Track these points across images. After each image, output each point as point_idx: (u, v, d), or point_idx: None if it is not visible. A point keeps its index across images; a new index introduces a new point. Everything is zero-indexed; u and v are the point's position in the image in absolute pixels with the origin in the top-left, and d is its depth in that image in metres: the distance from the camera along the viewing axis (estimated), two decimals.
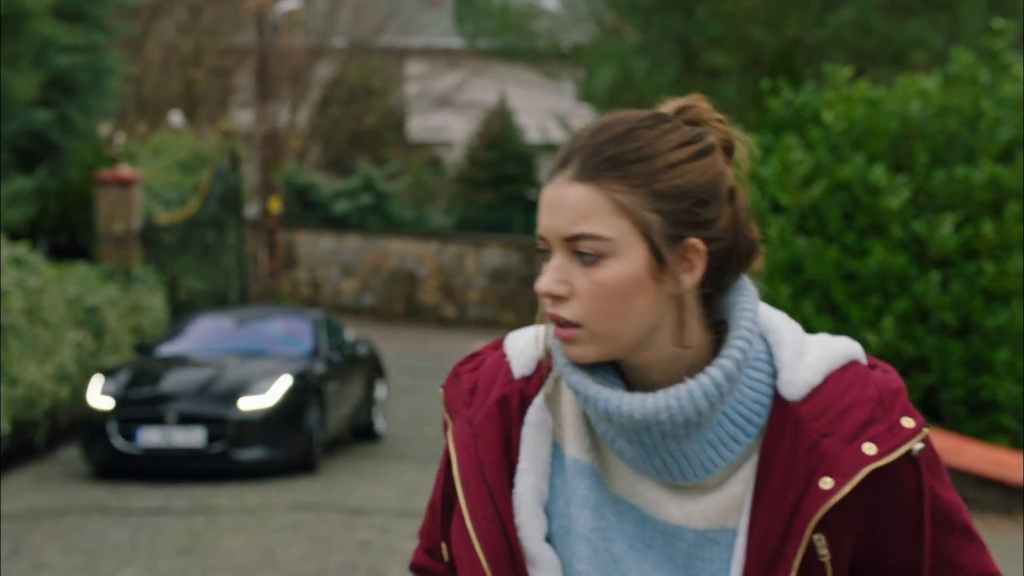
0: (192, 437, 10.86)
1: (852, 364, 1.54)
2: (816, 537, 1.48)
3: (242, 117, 32.91)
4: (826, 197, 10.83)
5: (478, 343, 20.03)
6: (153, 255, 18.87)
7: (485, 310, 28.75)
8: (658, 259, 1.47)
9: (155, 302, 18.02)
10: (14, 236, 17.55)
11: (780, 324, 1.58)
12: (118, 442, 10.91)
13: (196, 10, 31.03)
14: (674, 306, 1.50)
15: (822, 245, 10.59)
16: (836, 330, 10.62)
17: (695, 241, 1.49)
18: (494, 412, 1.57)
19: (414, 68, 35.77)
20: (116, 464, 10.96)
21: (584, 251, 1.47)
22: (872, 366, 1.58)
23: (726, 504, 1.51)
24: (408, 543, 8.21)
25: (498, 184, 32.86)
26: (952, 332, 10.59)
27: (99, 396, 11.28)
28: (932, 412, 10.83)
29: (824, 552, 1.49)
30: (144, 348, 12.70)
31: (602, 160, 1.49)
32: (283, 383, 11.26)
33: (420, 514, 8.41)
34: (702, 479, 1.51)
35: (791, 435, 1.50)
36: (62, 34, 15.40)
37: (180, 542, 8.31)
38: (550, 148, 33.49)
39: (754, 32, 14.06)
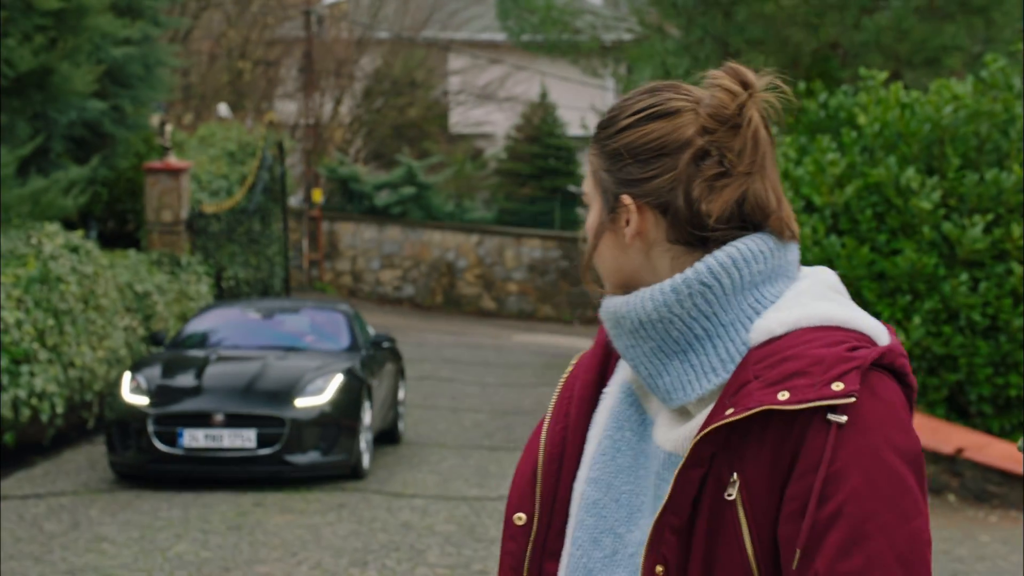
0: (242, 439, 10.06)
1: (829, 328, 1.56)
2: (733, 478, 1.53)
3: (287, 108, 33.34)
4: (858, 198, 11.09)
5: (516, 336, 20.36)
6: (200, 244, 19.31)
7: (524, 302, 29.05)
8: (607, 211, 1.65)
9: (202, 289, 18.45)
10: (67, 224, 18.03)
11: (804, 282, 1.63)
12: (157, 443, 10.03)
13: (243, 2, 31.46)
14: (641, 253, 1.64)
15: (854, 245, 10.86)
16: None
17: (624, 197, 1.63)
18: (601, 342, 1.78)
19: (457, 62, 36.10)
20: (153, 468, 10.07)
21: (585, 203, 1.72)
22: (858, 346, 1.56)
23: (690, 432, 1.59)
24: (446, 525, 8.57)
25: (538, 178, 33.13)
26: (980, 331, 10.85)
27: (133, 392, 10.38)
28: (959, 409, 11.10)
29: (731, 492, 1.53)
30: (157, 340, 12.01)
31: (594, 129, 1.73)
32: (336, 380, 10.56)
33: (458, 498, 8.74)
34: (681, 402, 1.61)
35: (737, 375, 1.57)
36: (118, 28, 15.83)
37: (230, 519, 8.69)
38: (590, 142, 33.69)
39: (792, 34, 14.31)
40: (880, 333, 1.57)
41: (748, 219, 1.62)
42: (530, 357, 21.14)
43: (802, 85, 12.23)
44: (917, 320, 10.66)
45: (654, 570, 1.56)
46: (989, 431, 10.89)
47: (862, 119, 11.34)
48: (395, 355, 12.82)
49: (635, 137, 1.63)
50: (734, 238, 1.61)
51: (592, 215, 1.69)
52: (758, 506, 1.53)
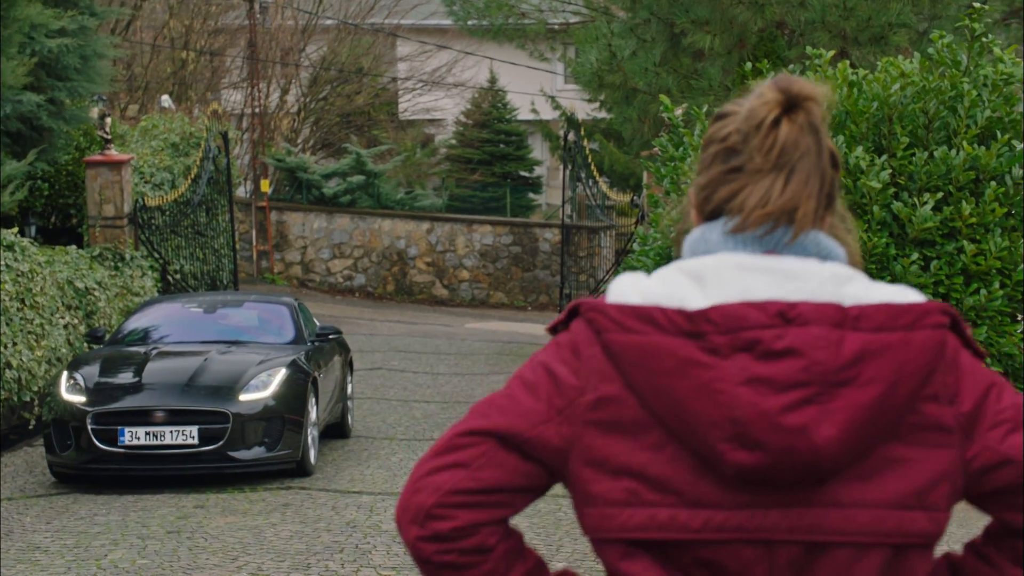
0: (184, 436, 9.74)
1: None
2: None
3: (233, 98, 32.93)
4: None
5: (469, 323, 20.19)
6: (144, 237, 18.97)
7: (476, 289, 28.86)
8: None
9: (146, 284, 18.13)
10: (5, 220, 17.65)
11: (672, 264, 1.84)
12: (97, 441, 9.71)
13: None
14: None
15: None
16: None
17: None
18: None
19: (404, 48, 35.79)
20: (94, 467, 9.78)
21: None
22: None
23: None
24: (393, 523, 8.35)
25: (489, 163, 32.93)
26: None
27: (70, 391, 10.07)
28: None
29: None
30: (96, 336, 11.58)
31: None
32: (280, 374, 10.28)
33: None
34: None
35: None
36: (50, 19, 15.46)
37: (169, 523, 8.44)
38: (541, 127, 33.59)
39: (738, 14, 14.14)
40: (614, 292, 1.77)
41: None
42: (482, 345, 20.94)
43: (748, 65, 12.06)
44: None
45: None
46: None
47: None
48: (343, 347, 12.59)
49: (704, 135, 1.88)
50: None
51: None
52: None
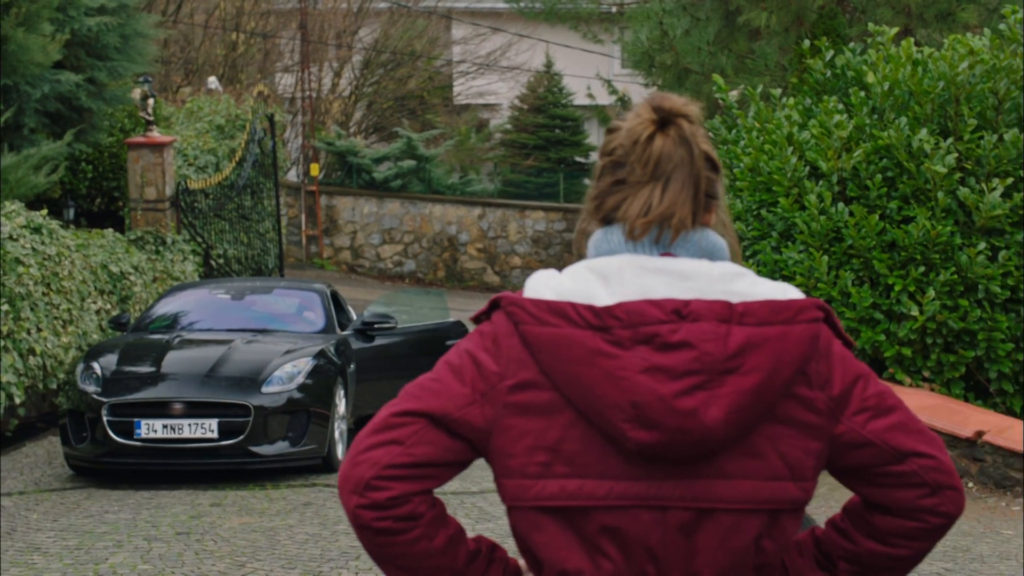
0: (203, 429, 9.30)
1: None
2: None
3: (285, 81, 32.57)
4: (868, 162, 10.31)
5: None
6: (186, 221, 18.59)
7: (528, 276, 28.34)
8: None
9: (187, 269, 17.75)
10: (47, 202, 17.31)
11: (581, 262, 2.03)
12: (112, 434, 9.31)
13: None
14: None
15: (863, 213, 10.08)
16: (877, 302, 10.13)
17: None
18: None
19: (458, 31, 35.27)
20: (109, 461, 9.36)
21: None
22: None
23: None
24: None
25: (544, 148, 32.38)
26: (999, 304, 10.07)
27: (87, 380, 9.68)
28: (978, 388, 10.32)
29: None
30: (120, 323, 11.17)
31: None
32: (307, 365, 9.83)
33: (465, 493, 7.93)
34: None
35: None
36: None
37: (181, 523, 7.96)
38: (597, 112, 32.98)
39: None
40: (530, 289, 1.97)
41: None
42: None
43: (806, 43, 11.42)
44: (932, 293, 9.88)
45: None
46: (1011, 412, 10.11)
47: (871, 78, 10.54)
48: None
49: (602, 143, 2.06)
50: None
51: None
52: None
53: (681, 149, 1.95)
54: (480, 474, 9.64)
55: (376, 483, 1.92)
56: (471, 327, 2.11)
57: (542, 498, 1.93)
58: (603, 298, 1.93)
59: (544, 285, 1.96)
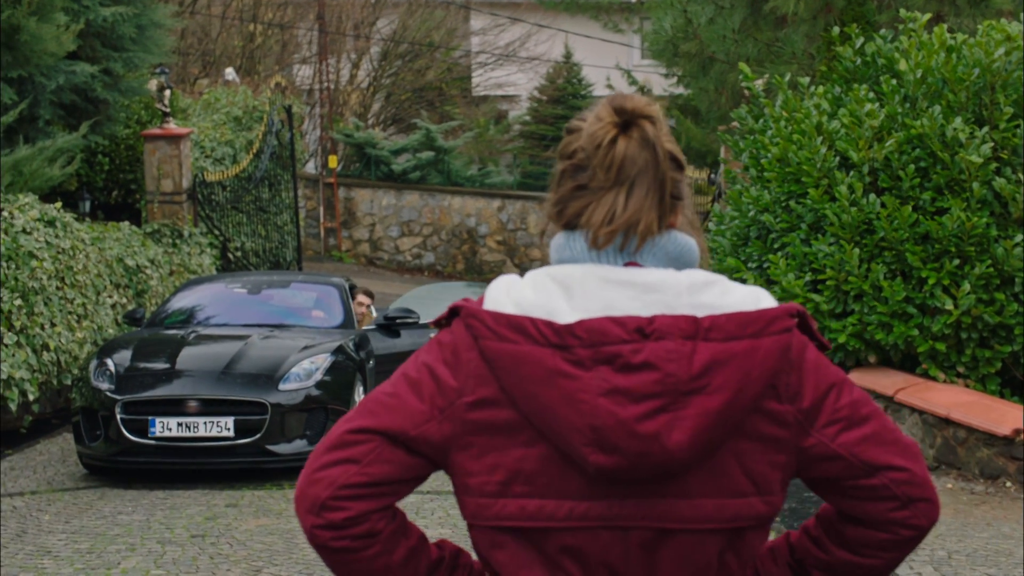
0: (219, 427, 9.08)
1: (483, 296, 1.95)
2: None
3: (303, 73, 32.37)
4: (900, 152, 10.03)
5: None
6: (203, 214, 18.40)
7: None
8: None
9: (204, 262, 17.56)
10: (64, 195, 17.14)
11: (538, 270, 1.93)
12: (126, 432, 9.09)
13: None
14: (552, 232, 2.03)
15: (895, 204, 9.80)
16: (910, 296, 9.85)
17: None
18: None
19: (477, 21, 35.01)
20: (123, 460, 9.14)
21: None
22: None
23: None
24: (439, 528, 7.61)
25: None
26: None
27: (100, 377, 9.44)
28: (1014, 383, 10.03)
29: None
30: (134, 318, 10.94)
31: None
32: (325, 361, 9.59)
33: (452, 495, 7.72)
34: None
35: None
36: None
37: (196, 525, 7.74)
38: None
39: None
40: (490, 300, 1.89)
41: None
42: None
43: (836, 30, 11.13)
44: (967, 286, 9.59)
45: None
46: None
47: (903, 66, 10.25)
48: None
49: (560, 144, 2.00)
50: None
51: None
52: None
53: (645, 152, 1.90)
54: None
55: (332, 503, 1.88)
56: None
57: (502, 518, 1.89)
58: (565, 312, 1.86)
59: (505, 296, 1.89)
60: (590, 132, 1.90)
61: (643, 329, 1.84)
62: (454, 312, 1.93)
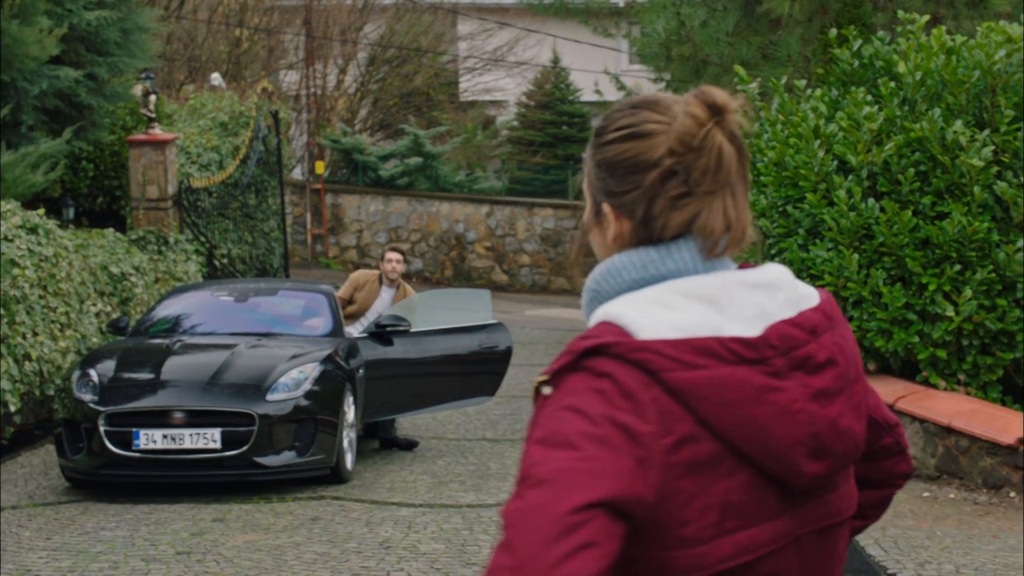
0: (205, 439, 8.84)
1: (602, 324, 1.73)
2: None
3: (290, 78, 32.14)
4: (899, 156, 9.86)
5: (529, 310, 19.17)
6: (189, 220, 18.16)
7: (537, 275, 27.92)
8: (595, 213, 1.86)
9: (190, 269, 17.32)
10: (48, 202, 16.88)
11: (649, 289, 1.76)
12: (109, 445, 8.85)
13: None
14: (616, 249, 1.84)
15: (895, 209, 9.63)
16: (911, 302, 9.67)
17: (605, 206, 1.83)
18: None
19: (465, 26, 34.82)
20: (107, 473, 8.89)
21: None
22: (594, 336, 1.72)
23: None
24: (432, 543, 7.40)
25: (551, 145, 31.93)
26: None
27: (82, 388, 9.20)
28: (1015, 391, 9.86)
29: None
30: (118, 327, 10.57)
31: (593, 133, 1.87)
32: (314, 371, 9.37)
33: (451, 506, 7.49)
34: None
35: None
36: None
37: (181, 541, 7.51)
38: (605, 108, 32.50)
39: None
40: (641, 328, 1.69)
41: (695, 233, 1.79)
42: (542, 333, 19.97)
43: (833, 32, 10.95)
44: (968, 292, 9.42)
45: None
46: None
47: (902, 68, 10.08)
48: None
49: (614, 154, 1.81)
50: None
51: (586, 212, 1.90)
52: None
53: (735, 148, 1.80)
54: (496, 485, 9.19)
55: None
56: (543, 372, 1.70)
57: (722, 560, 1.71)
58: (728, 326, 1.73)
59: (659, 323, 1.71)
60: (687, 132, 1.76)
61: (815, 328, 1.80)
62: (587, 354, 1.68)
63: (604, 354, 1.67)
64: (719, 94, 1.79)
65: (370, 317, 11.12)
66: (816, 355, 1.77)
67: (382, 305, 11.20)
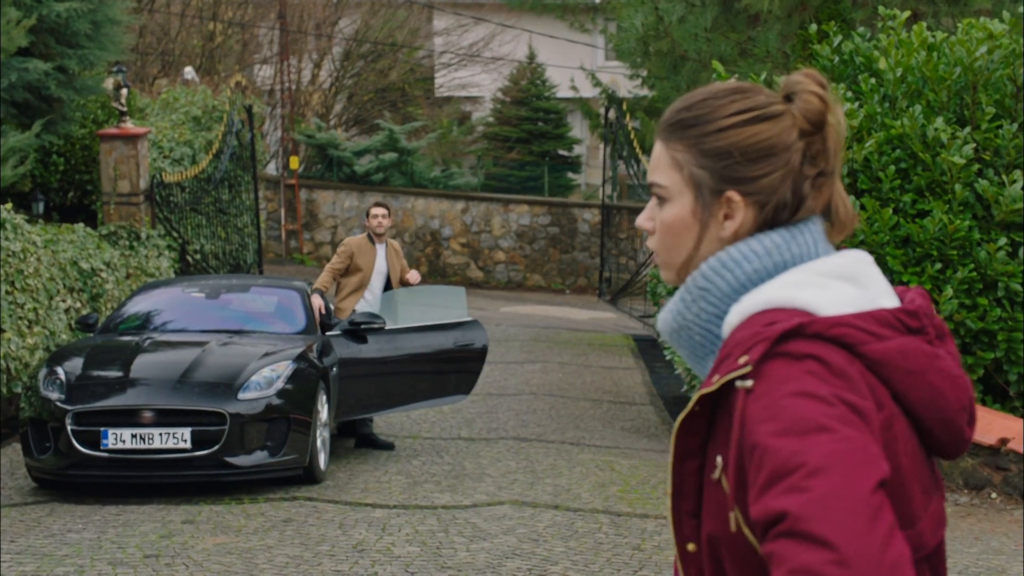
0: (175, 439, 8.65)
1: (768, 311, 1.67)
2: (717, 461, 1.66)
3: (265, 73, 31.91)
4: (880, 153, 9.76)
5: (504, 307, 18.99)
6: (161, 215, 17.95)
7: (512, 271, 27.79)
8: (701, 206, 1.76)
9: (162, 265, 17.11)
10: (17, 196, 16.65)
11: (789, 273, 1.71)
12: (77, 444, 8.63)
13: None
14: (720, 246, 1.76)
15: (875, 206, 9.53)
16: None
17: (732, 194, 1.74)
18: None
19: (440, 22, 34.64)
20: (74, 473, 8.69)
21: (657, 195, 1.81)
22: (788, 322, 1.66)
23: None
24: (407, 546, 7.25)
25: (527, 141, 31.80)
26: (1020, 303, 9.52)
27: (49, 387, 8.99)
28: (997, 391, 9.77)
29: (716, 472, 1.66)
30: (87, 324, 10.27)
31: (670, 124, 1.79)
32: (287, 369, 9.19)
33: (425, 507, 7.33)
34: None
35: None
36: None
37: (149, 544, 7.34)
38: (581, 104, 32.36)
39: None
40: (823, 305, 1.66)
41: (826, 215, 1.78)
42: (518, 331, 19.83)
43: (813, 28, 10.85)
44: (949, 291, 9.33)
45: (686, 548, 1.72)
46: None
47: (882, 64, 9.98)
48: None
49: (743, 137, 1.74)
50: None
51: (675, 208, 1.78)
52: (735, 483, 1.62)
53: None
54: (472, 485, 9.05)
55: None
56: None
57: (930, 534, 1.71)
58: (880, 300, 1.74)
59: (836, 299, 1.69)
60: (816, 111, 1.73)
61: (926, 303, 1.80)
62: (786, 336, 1.63)
63: (800, 336, 1.63)
64: (819, 75, 1.77)
65: (376, 280, 10.97)
66: (941, 327, 1.78)
67: (382, 264, 11.05)
